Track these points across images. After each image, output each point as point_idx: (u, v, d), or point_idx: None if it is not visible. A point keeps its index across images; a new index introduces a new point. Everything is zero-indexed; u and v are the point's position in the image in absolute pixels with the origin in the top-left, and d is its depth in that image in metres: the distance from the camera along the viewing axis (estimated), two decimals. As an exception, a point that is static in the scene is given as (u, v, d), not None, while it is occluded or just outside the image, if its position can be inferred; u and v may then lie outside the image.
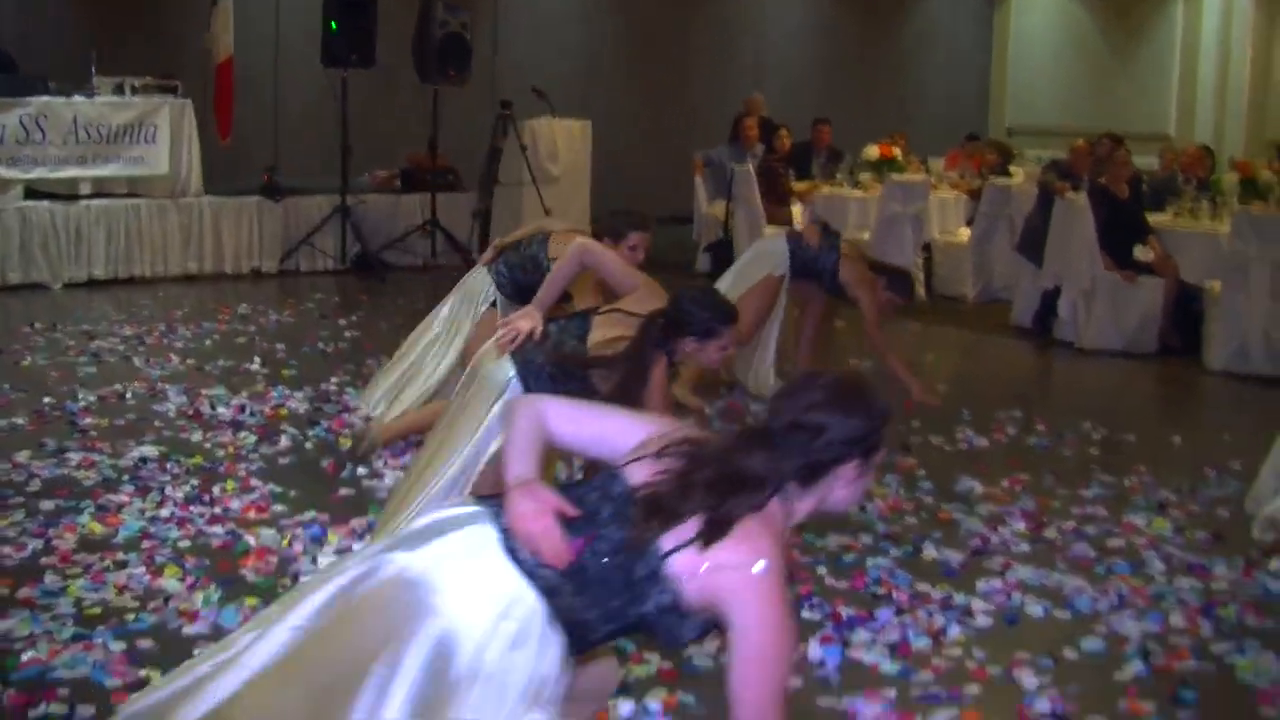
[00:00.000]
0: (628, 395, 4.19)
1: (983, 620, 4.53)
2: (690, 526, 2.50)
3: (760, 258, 7.54)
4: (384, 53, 11.78)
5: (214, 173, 11.42)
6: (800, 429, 2.62)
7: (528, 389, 4.40)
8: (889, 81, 18.05)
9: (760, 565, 2.46)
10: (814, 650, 4.18)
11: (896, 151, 12.65)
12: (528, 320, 4.58)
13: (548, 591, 2.50)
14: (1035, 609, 4.64)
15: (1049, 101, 18.26)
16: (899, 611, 4.54)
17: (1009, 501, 5.87)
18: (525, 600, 2.49)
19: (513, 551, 2.52)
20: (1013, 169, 12.59)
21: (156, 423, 6.65)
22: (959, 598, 4.69)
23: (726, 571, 2.46)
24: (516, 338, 4.55)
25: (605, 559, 2.53)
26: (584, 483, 2.77)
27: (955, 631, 4.41)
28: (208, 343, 8.63)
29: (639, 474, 2.60)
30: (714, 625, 2.55)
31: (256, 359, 8.14)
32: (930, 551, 5.17)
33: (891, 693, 3.93)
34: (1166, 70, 16.99)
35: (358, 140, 11.73)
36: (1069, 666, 4.19)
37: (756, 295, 7.25)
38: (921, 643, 4.31)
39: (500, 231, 12.32)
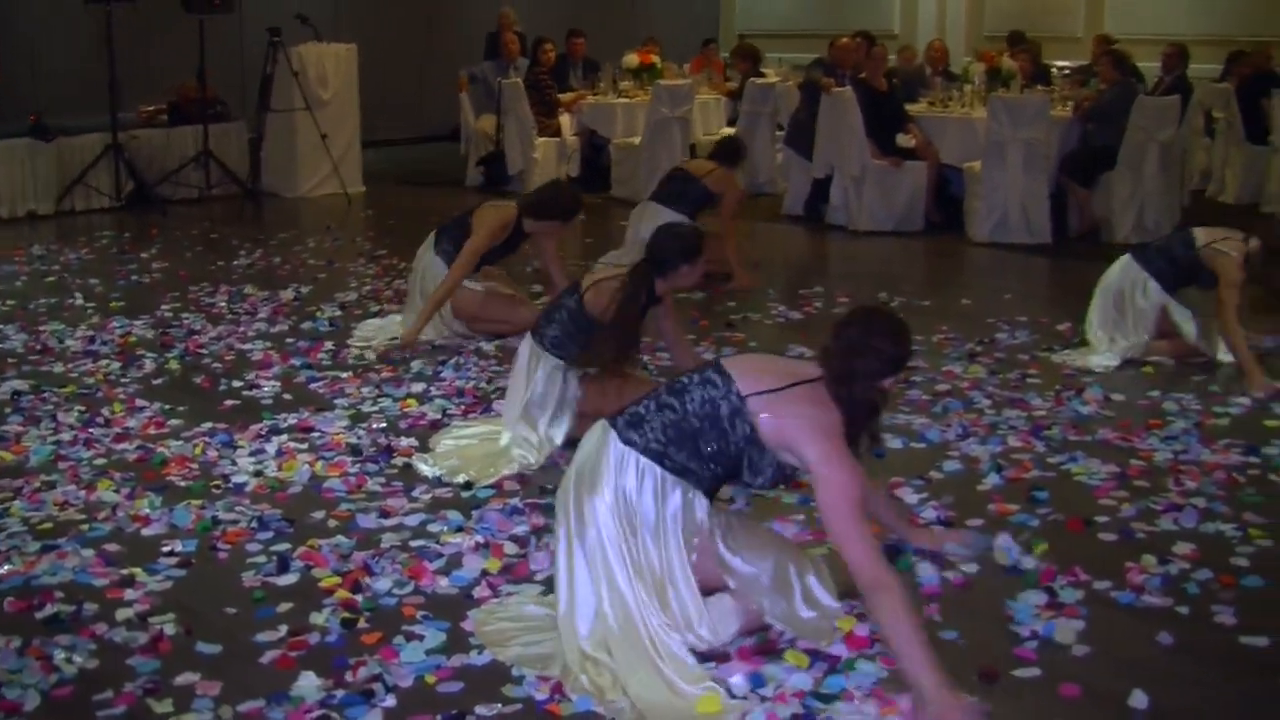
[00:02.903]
0: (627, 331, 5.10)
1: (853, 456, 5.16)
2: (765, 380, 3.49)
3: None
4: (147, -15, 11.66)
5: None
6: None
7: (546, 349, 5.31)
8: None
9: (820, 417, 3.42)
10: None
11: (655, 58, 13.23)
12: None
13: (658, 458, 3.51)
14: (895, 444, 5.30)
15: (778, 5, 19.06)
16: (781, 456, 5.13)
17: (838, 362, 6.52)
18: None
19: (629, 442, 3.53)
20: (763, 69, 13.32)
21: (10, 359, 6.75)
22: (827, 441, 5.31)
23: (796, 419, 3.41)
24: None
25: (696, 409, 3.51)
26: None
27: (835, 467, 5.02)
28: (18, 284, 8.60)
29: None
30: (786, 473, 3.58)
31: (78, 294, 8.21)
32: (787, 407, 5.78)
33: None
34: (889, -29, 17.97)
35: (124, 75, 11.61)
36: (938, 484, 4.87)
37: None
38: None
39: (273, 157, 12.46)
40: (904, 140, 10.33)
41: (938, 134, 10.38)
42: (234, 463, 5.19)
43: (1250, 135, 11.68)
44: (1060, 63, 13.22)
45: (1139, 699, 3.33)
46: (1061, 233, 9.97)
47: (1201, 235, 6.42)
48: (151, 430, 5.60)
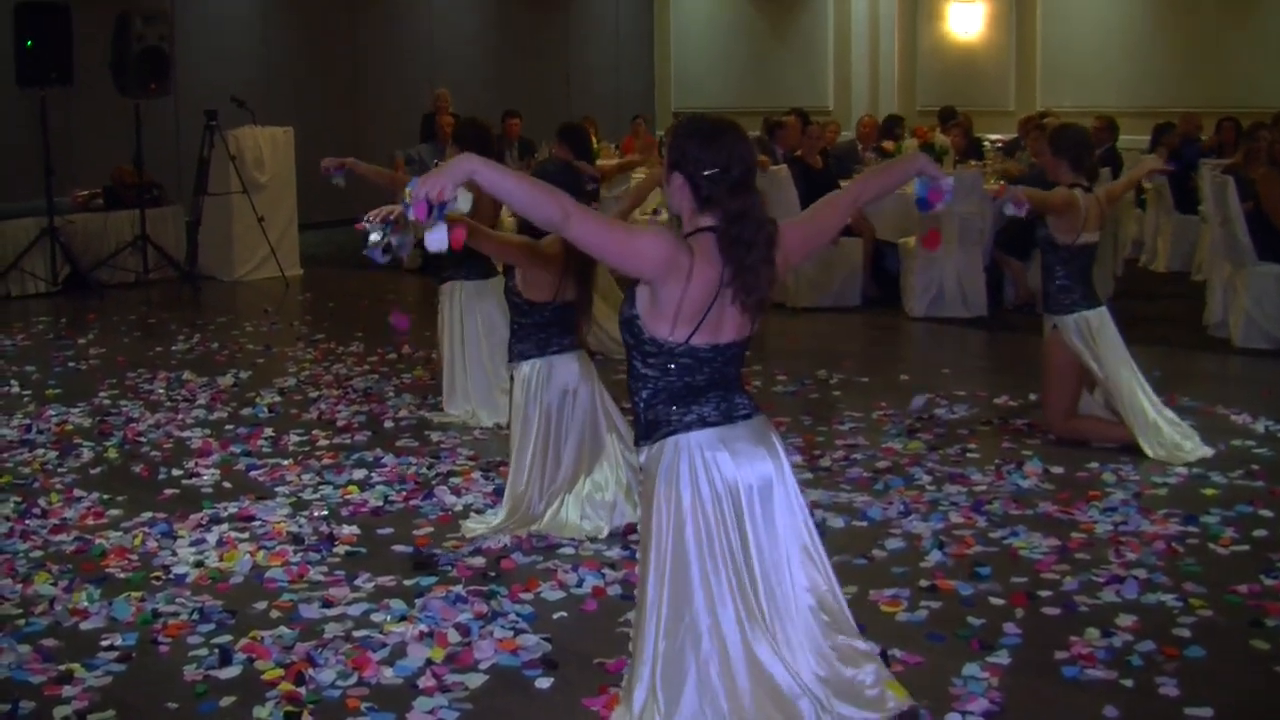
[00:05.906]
0: None
1: (797, 535, 5.18)
2: None
3: None
4: (82, 68, 11.62)
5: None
6: None
7: None
8: (557, 71, 18.73)
9: None
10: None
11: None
12: None
13: None
14: (836, 522, 5.32)
15: (712, 83, 19.31)
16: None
17: (780, 440, 6.56)
18: None
19: None
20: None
21: (-57, 450, 6.66)
22: (771, 520, 5.33)
23: None
24: None
25: None
26: None
27: (779, 546, 5.03)
28: (-49, 372, 8.51)
29: None
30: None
31: (14, 382, 8.11)
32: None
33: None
34: (822, 49, 18.27)
35: (60, 158, 11.57)
36: (881, 563, 4.89)
37: None
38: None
39: (210, 241, 12.43)
40: (840, 216, 10.42)
41: (873, 210, 10.48)
42: (174, 553, 5.13)
43: (1180, 205, 11.90)
44: (993, 136, 13.45)
45: (1086, 776, 3.35)
46: (997, 305, 10.10)
47: None
48: (90, 521, 5.54)
